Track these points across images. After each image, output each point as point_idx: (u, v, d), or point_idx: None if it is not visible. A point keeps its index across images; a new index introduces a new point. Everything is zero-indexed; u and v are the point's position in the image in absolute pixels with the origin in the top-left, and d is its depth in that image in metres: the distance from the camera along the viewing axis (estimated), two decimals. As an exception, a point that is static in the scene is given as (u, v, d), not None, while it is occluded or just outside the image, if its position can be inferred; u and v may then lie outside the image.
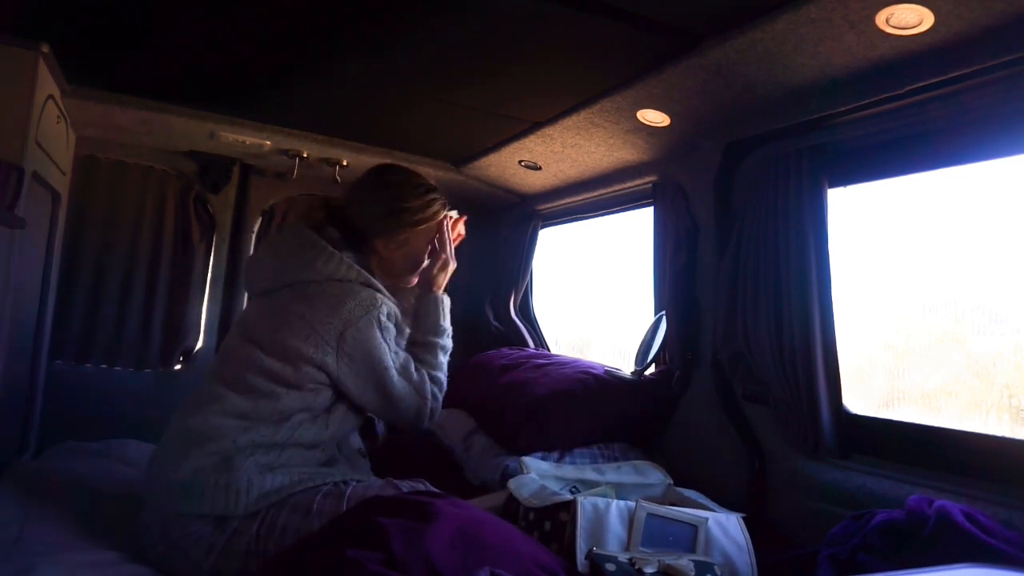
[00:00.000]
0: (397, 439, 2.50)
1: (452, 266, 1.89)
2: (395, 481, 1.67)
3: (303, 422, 1.63)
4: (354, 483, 1.61)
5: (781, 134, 1.87)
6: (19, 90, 1.90)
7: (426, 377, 1.78)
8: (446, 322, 1.86)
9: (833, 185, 1.84)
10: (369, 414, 1.82)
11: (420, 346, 1.82)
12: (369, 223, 1.78)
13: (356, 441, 1.94)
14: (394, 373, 1.71)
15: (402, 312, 1.82)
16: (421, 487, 1.65)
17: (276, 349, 1.62)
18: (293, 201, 3.20)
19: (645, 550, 1.43)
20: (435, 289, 1.87)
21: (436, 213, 1.84)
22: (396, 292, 1.84)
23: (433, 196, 1.84)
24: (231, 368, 1.65)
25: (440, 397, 1.81)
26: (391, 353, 1.71)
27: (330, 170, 2.91)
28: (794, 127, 1.83)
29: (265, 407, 1.59)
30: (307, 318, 1.62)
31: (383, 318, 1.68)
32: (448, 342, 1.86)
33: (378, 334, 1.67)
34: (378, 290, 1.72)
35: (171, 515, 1.51)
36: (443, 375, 1.83)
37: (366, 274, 1.71)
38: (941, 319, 1.84)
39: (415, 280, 1.91)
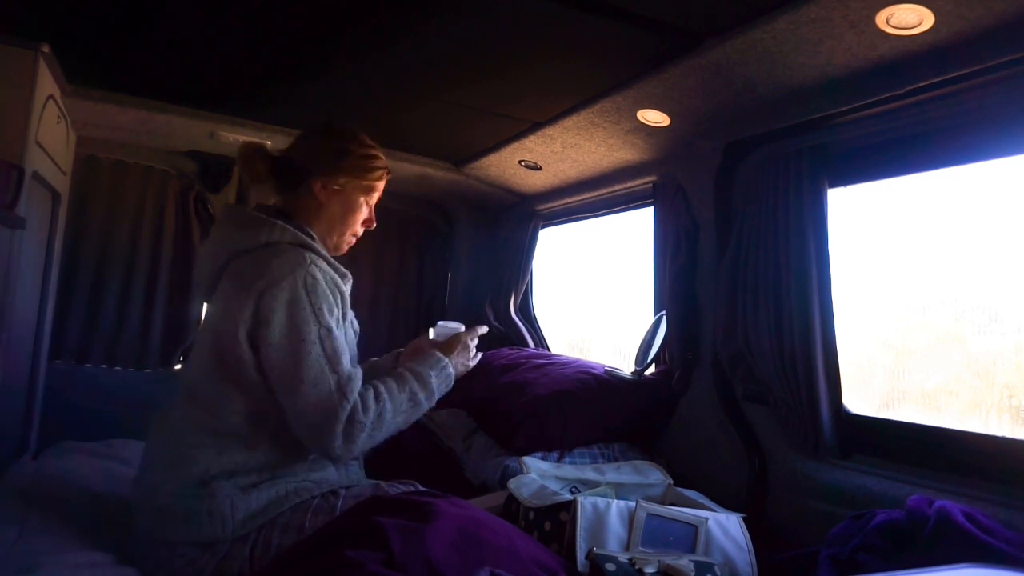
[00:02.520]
0: (395, 439, 2.50)
1: (470, 364, 1.75)
2: (384, 485, 1.60)
3: (277, 445, 1.53)
4: (343, 492, 1.54)
5: (781, 134, 1.87)
6: (19, 90, 1.90)
7: (360, 382, 1.50)
8: (434, 383, 1.63)
9: (833, 185, 1.84)
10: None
11: (395, 375, 1.60)
12: (312, 160, 1.66)
13: None
14: (314, 348, 1.46)
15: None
16: (412, 489, 1.58)
17: (216, 338, 1.51)
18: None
19: (645, 550, 1.43)
20: (450, 357, 1.68)
21: (379, 172, 1.71)
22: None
23: (379, 156, 1.73)
24: (192, 375, 1.58)
25: (368, 421, 1.48)
26: (317, 325, 1.48)
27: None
28: (794, 127, 1.83)
29: (226, 419, 1.49)
30: (234, 290, 1.49)
31: (311, 279, 1.49)
32: (423, 402, 1.60)
33: (303, 295, 1.47)
34: (315, 252, 1.58)
35: (157, 540, 1.46)
36: (392, 409, 1.53)
37: (301, 235, 1.57)
38: (941, 319, 1.84)
39: (345, 246, 1.74)
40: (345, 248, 1.74)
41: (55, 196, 2.39)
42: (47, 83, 2.03)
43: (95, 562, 1.44)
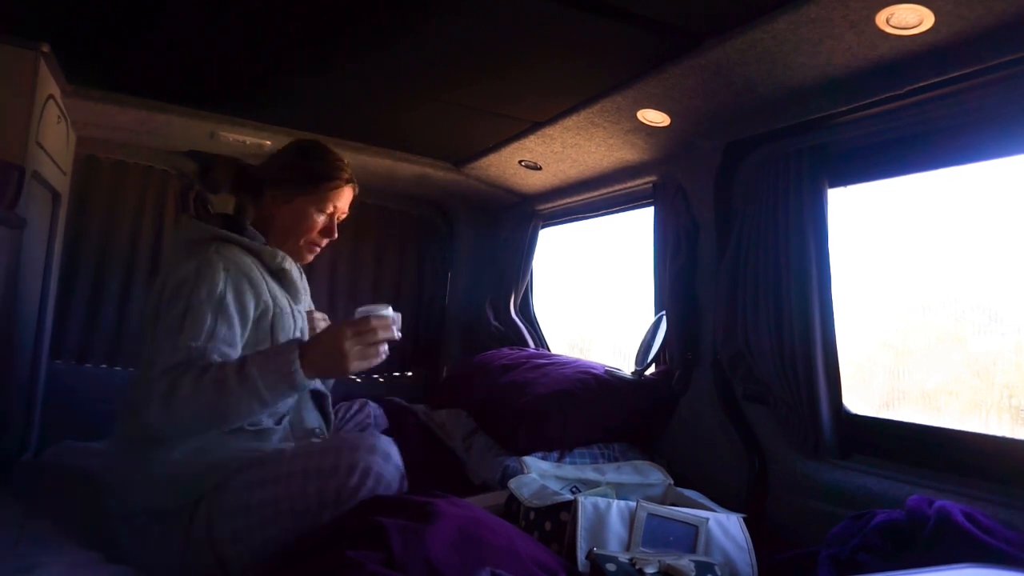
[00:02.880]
0: (394, 436, 2.50)
1: (356, 365, 1.41)
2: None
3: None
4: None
5: (781, 134, 1.87)
6: (19, 90, 1.90)
7: (184, 367, 1.37)
8: (254, 370, 1.36)
9: (833, 185, 1.84)
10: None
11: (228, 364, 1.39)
12: (266, 172, 1.74)
13: (312, 420, 1.72)
14: (169, 325, 1.42)
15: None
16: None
17: (143, 340, 1.55)
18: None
19: (646, 550, 1.43)
20: (310, 357, 1.39)
21: (330, 186, 1.70)
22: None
23: (335, 172, 1.71)
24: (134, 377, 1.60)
25: (158, 394, 1.35)
26: (185, 300, 1.43)
27: (330, 170, 2.92)
28: (794, 127, 1.83)
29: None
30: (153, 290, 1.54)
31: (205, 263, 1.48)
32: (234, 389, 1.34)
33: (191, 277, 1.46)
34: (233, 242, 1.57)
35: (111, 516, 1.51)
36: (191, 386, 1.34)
37: (221, 231, 1.57)
38: (941, 319, 1.84)
39: (306, 254, 1.75)
40: (308, 256, 1.77)
41: (55, 196, 2.39)
42: (47, 83, 2.03)
43: (95, 561, 1.44)
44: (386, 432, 2.26)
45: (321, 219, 1.73)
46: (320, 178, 1.71)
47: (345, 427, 2.07)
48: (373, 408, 2.21)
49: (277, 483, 1.42)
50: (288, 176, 1.71)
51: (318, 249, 1.78)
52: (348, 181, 1.74)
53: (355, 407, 2.16)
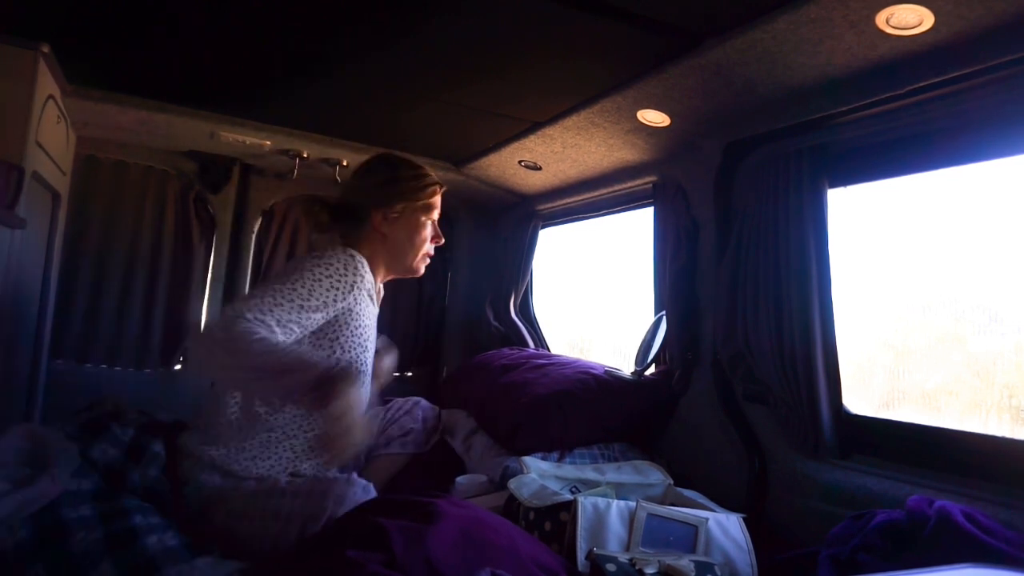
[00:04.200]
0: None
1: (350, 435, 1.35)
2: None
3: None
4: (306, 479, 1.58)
5: (781, 134, 1.87)
6: (19, 90, 1.90)
7: (265, 330, 1.41)
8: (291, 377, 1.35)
9: (833, 185, 1.84)
10: None
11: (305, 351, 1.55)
12: (366, 195, 1.78)
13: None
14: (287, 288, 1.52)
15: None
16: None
17: None
18: (293, 203, 3.22)
19: (645, 550, 1.43)
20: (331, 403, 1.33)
21: (431, 189, 1.83)
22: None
23: (428, 174, 1.85)
24: None
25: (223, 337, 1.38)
26: (293, 295, 1.50)
27: (330, 170, 2.92)
28: (794, 127, 1.83)
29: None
30: None
31: (327, 269, 1.58)
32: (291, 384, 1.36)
33: (305, 270, 1.56)
34: (358, 273, 1.65)
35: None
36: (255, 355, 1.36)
37: (354, 252, 1.68)
38: (941, 319, 1.84)
39: (421, 267, 1.87)
40: (423, 268, 1.87)
41: (55, 196, 2.39)
42: (47, 83, 2.03)
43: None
44: (432, 429, 2.30)
45: (430, 225, 1.83)
46: (424, 184, 1.80)
47: (389, 429, 2.12)
48: (424, 408, 2.26)
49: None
50: (393, 191, 1.77)
51: (428, 260, 1.87)
52: (440, 184, 1.85)
53: (408, 405, 2.23)
